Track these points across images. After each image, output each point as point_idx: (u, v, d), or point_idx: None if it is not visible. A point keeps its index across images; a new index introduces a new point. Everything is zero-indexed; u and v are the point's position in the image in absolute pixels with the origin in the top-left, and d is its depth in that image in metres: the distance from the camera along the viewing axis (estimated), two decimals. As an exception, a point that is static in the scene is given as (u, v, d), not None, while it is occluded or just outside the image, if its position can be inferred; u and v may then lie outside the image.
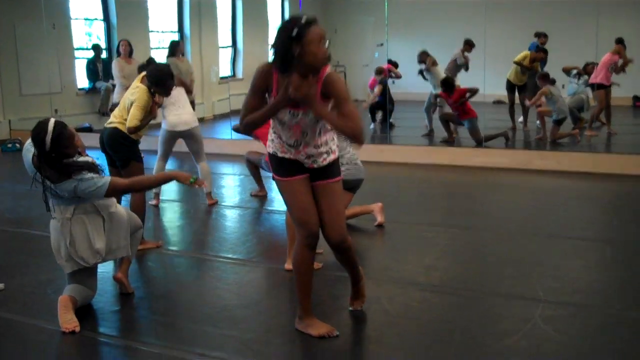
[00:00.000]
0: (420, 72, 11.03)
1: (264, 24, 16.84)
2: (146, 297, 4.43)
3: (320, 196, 3.58)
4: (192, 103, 8.26)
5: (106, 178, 3.88)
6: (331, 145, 3.59)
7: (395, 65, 12.19)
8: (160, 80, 5.36)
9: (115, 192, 3.94)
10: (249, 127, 3.48)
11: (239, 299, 4.31)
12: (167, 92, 5.48)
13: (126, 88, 9.26)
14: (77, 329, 3.78)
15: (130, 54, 10.33)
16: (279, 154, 3.58)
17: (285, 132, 3.50)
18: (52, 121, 3.82)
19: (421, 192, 7.64)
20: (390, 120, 11.61)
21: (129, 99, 5.32)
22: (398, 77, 11.97)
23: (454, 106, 9.72)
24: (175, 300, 4.38)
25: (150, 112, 5.33)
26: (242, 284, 4.61)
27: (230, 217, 6.58)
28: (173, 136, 6.65)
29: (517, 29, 11.85)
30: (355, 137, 3.34)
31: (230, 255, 5.22)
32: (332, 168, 3.59)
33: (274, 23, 17.05)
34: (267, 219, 6.56)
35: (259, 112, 3.38)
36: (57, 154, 3.79)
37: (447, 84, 9.85)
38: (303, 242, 3.55)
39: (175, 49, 10.40)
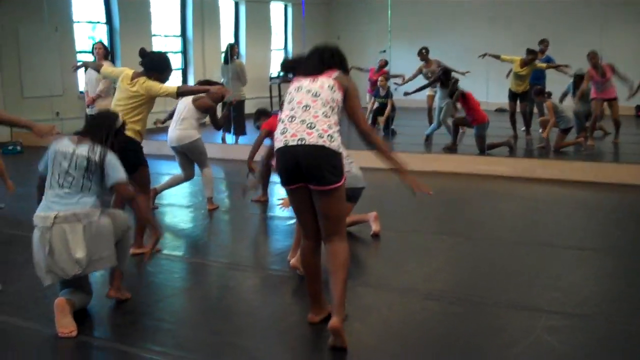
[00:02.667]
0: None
1: (266, 28, 16.85)
2: (145, 302, 4.38)
3: (319, 202, 3.61)
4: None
5: None
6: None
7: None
8: (162, 66, 5.29)
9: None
10: None
11: (239, 306, 4.27)
12: (167, 78, 5.35)
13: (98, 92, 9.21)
14: (74, 333, 3.73)
15: (105, 57, 9.60)
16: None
17: None
18: None
19: (421, 200, 7.56)
20: (392, 127, 11.59)
21: (136, 96, 5.17)
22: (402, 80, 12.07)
23: (469, 112, 9.69)
24: (174, 306, 4.34)
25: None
26: (241, 290, 4.57)
27: (230, 223, 6.56)
28: (174, 150, 6.65)
29: (521, 37, 11.79)
30: (365, 131, 3.69)
31: (229, 261, 5.17)
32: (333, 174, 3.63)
33: (277, 28, 17.07)
34: (268, 224, 6.52)
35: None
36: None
37: (453, 93, 9.85)
38: (305, 245, 3.79)
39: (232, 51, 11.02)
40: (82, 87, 9.74)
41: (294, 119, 3.53)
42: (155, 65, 5.28)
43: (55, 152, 3.97)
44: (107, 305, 4.22)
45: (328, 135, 3.47)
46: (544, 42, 11.35)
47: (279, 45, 17.68)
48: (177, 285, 4.78)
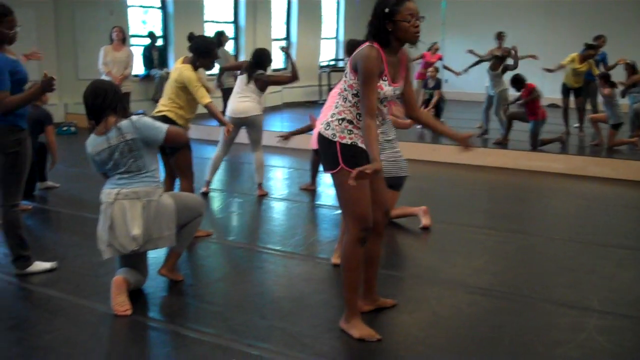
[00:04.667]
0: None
1: (317, 17, 16.84)
2: (196, 284, 4.46)
3: (372, 180, 3.53)
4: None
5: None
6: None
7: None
8: (206, 49, 5.32)
9: None
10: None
11: (287, 292, 4.31)
12: (212, 63, 5.42)
13: (107, 74, 9.63)
14: (129, 312, 3.83)
15: (123, 41, 10.18)
16: (360, 144, 3.47)
17: (379, 113, 3.51)
18: None
19: (471, 193, 7.54)
20: (442, 119, 11.51)
21: (175, 81, 5.29)
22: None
23: (529, 105, 9.56)
24: (224, 290, 4.40)
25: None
26: (291, 277, 4.61)
27: (279, 210, 6.60)
28: (233, 122, 6.68)
29: (578, 32, 11.56)
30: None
31: (278, 248, 5.22)
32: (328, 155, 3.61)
33: (329, 17, 17.05)
34: (317, 213, 6.55)
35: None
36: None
37: (517, 81, 9.71)
38: (357, 237, 3.50)
39: (220, 39, 10.74)
40: (101, 67, 9.94)
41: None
42: (198, 49, 5.34)
43: (96, 154, 4.00)
44: (160, 287, 4.31)
45: (325, 123, 3.55)
46: (600, 39, 11.10)
47: (331, 34, 17.66)
48: (226, 270, 4.85)
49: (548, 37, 10.81)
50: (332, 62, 16.92)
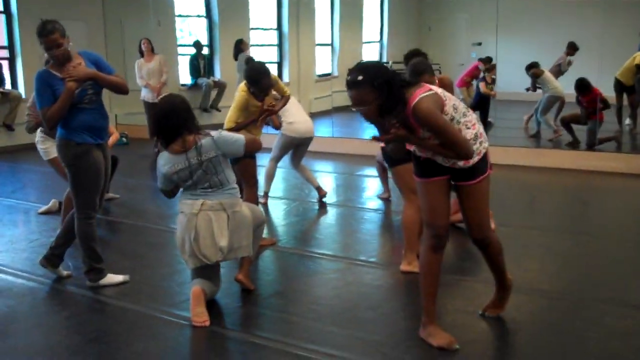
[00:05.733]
0: (532, 85, 10.76)
1: (358, 21, 16.79)
2: (268, 294, 4.45)
3: (463, 196, 3.53)
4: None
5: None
6: (475, 145, 3.42)
7: (489, 60, 11.81)
8: (253, 78, 5.29)
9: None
10: None
11: (361, 300, 4.27)
12: (262, 91, 5.34)
13: (145, 86, 10.09)
14: (207, 323, 3.83)
15: (152, 51, 10.51)
16: (417, 152, 3.50)
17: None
18: None
19: (530, 195, 7.43)
20: (489, 119, 11.35)
21: (234, 101, 5.42)
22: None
23: (588, 105, 9.41)
24: (297, 298, 4.37)
25: (254, 114, 5.33)
26: (363, 285, 4.56)
27: (340, 216, 6.56)
28: (295, 142, 6.67)
29: (635, 29, 11.27)
30: (462, 159, 3.36)
31: (345, 255, 5.18)
32: (477, 168, 3.47)
33: (370, 21, 16.99)
34: (385, 221, 6.47)
35: None
36: None
37: (583, 86, 9.58)
38: (428, 243, 3.50)
39: (240, 46, 11.04)
40: (139, 81, 10.33)
41: None
42: (247, 77, 5.36)
43: (174, 173, 3.98)
44: (234, 297, 4.30)
45: None
46: None
47: (375, 38, 17.59)
48: (297, 278, 4.81)
49: (604, 34, 10.56)
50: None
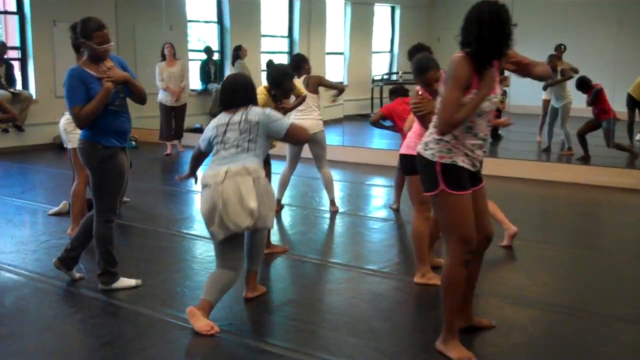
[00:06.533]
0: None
1: (369, 30, 16.81)
2: (281, 302, 4.42)
3: (480, 199, 3.51)
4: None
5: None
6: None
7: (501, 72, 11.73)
8: (277, 80, 5.27)
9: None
10: (462, 122, 3.29)
11: (375, 311, 4.23)
12: (284, 93, 5.36)
13: (165, 89, 10.27)
14: (215, 330, 3.78)
15: (174, 55, 10.72)
16: (460, 163, 3.37)
17: (481, 124, 3.38)
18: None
19: (542, 209, 7.40)
20: (499, 131, 11.29)
21: None
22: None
23: (600, 106, 9.42)
24: (311, 307, 4.35)
25: None
26: (376, 295, 4.52)
27: (351, 225, 6.53)
28: None
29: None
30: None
31: (359, 265, 5.14)
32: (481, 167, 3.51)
33: (380, 31, 16.98)
34: (397, 231, 6.43)
35: (469, 107, 3.25)
36: None
37: (583, 84, 9.60)
38: (462, 259, 3.40)
39: (238, 52, 11.25)
40: (159, 84, 10.49)
41: None
42: (272, 80, 5.33)
43: (215, 127, 4.05)
44: (248, 305, 4.26)
45: (424, 143, 3.47)
46: None
47: (386, 48, 17.59)
48: (311, 287, 4.79)
49: (618, 49, 10.53)
50: (386, 76, 16.83)
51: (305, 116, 6.61)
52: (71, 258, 4.58)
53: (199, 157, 4.32)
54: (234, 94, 4.10)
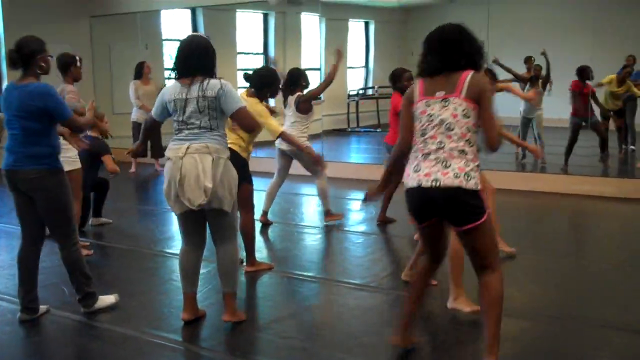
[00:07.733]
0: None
1: (343, 47, 16.82)
2: (272, 320, 4.35)
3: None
4: None
5: None
6: None
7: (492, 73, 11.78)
8: (268, 79, 5.50)
9: None
10: None
11: (365, 325, 4.20)
12: (274, 92, 5.65)
13: (140, 108, 10.27)
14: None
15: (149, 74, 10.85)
16: None
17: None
18: None
19: (527, 219, 7.42)
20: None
21: None
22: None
23: (584, 99, 9.62)
24: (300, 324, 4.30)
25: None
26: (365, 310, 4.49)
27: (336, 240, 6.49)
28: (279, 154, 6.65)
29: (626, 51, 11.31)
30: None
31: (345, 280, 5.11)
32: None
33: (355, 48, 17.03)
34: (385, 244, 6.42)
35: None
36: None
37: (583, 72, 9.79)
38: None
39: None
40: (135, 102, 10.59)
41: (428, 156, 3.32)
42: (264, 79, 5.48)
43: (172, 100, 3.92)
44: (237, 323, 4.17)
45: (465, 175, 3.22)
46: (629, 58, 10.88)
47: (360, 63, 17.64)
48: (296, 303, 4.74)
49: (595, 56, 10.63)
50: (362, 91, 16.88)
51: (289, 128, 6.59)
52: (31, 301, 4.30)
53: (152, 127, 4.29)
54: (189, 58, 3.91)
